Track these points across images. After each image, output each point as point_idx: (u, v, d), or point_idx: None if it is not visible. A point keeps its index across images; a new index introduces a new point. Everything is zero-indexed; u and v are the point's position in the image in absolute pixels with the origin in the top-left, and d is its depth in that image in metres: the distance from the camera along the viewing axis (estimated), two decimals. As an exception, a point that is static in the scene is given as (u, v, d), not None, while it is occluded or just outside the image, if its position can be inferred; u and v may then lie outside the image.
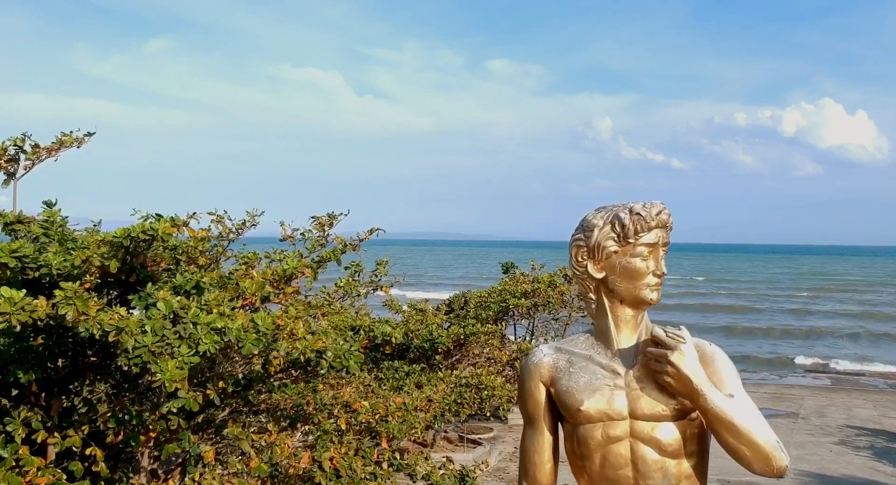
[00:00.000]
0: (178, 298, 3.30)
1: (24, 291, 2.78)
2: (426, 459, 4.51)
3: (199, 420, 4.19)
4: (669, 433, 1.84)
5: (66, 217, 4.03)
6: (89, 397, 3.86)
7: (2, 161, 4.11)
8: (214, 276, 4.02)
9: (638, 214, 1.86)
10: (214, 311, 3.24)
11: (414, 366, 6.94)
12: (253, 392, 4.03)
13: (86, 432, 3.39)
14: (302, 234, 4.51)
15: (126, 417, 3.41)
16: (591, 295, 1.97)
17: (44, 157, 4.11)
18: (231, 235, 4.24)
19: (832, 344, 22.27)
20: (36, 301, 2.76)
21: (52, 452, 3.47)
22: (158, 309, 3.15)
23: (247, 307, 3.63)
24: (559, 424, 2.01)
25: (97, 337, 2.71)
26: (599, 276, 1.92)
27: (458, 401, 5.15)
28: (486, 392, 6.32)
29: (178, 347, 3.01)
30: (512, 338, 10.41)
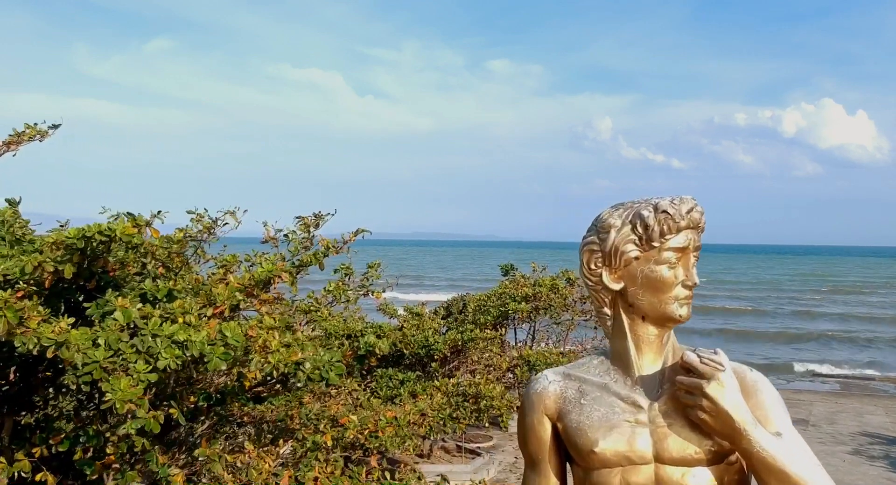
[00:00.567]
0: (141, 306, 2.97)
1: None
2: (419, 478, 4.17)
3: (173, 437, 3.85)
4: (703, 480, 1.50)
5: (28, 219, 3.70)
6: (51, 413, 3.53)
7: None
8: (190, 280, 3.69)
9: (665, 211, 1.52)
10: (179, 320, 2.90)
11: (409, 374, 6.60)
12: (227, 406, 3.69)
13: (37, 456, 3.05)
14: (285, 235, 4.16)
15: (83, 438, 3.08)
16: (607, 310, 1.63)
17: (2, 151, 3.77)
18: (202, 236, 3.89)
19: (839, 347, 21.90)
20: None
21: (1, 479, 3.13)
22: (115, 319, 2.82)
23: (218, 316, 3.29)
24: (568, 466, 1.67)
25: (35, 353, 2.37)
26: (617, 287, 1.58)
27: (454, 415, 4.80)
28: (484, 402, 5.99)
29: (135, 362, 2.68)
30: (512, 343, 10.07)
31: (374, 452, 4.20)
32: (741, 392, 1.48)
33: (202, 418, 3.72)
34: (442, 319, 8.77)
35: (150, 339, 2.72)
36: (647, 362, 1.59)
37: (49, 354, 2.38)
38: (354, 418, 4.25)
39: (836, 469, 8.24)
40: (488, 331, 7.65)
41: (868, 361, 18.73)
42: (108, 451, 2.99)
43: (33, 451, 3.07)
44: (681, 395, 1.50)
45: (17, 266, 2.92)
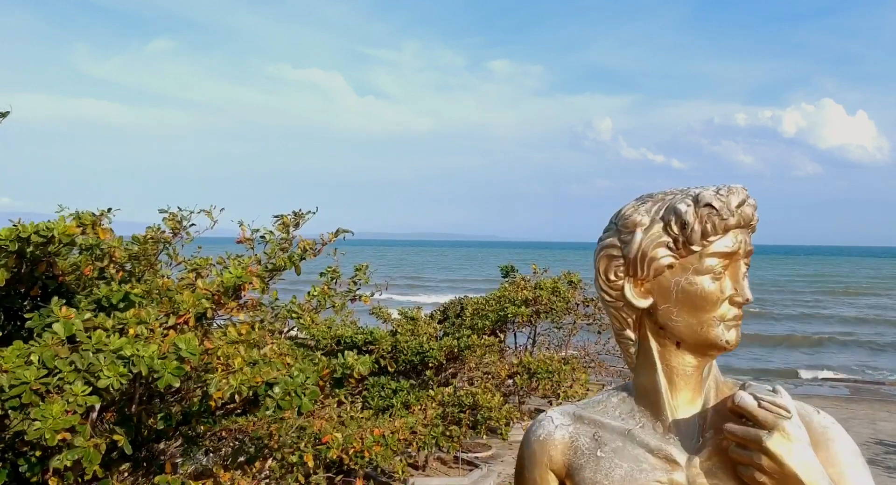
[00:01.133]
0: (91, 315, 2.60)
1: None
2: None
3: (143, 454, 3.49)
4: (759, 561, 1.13)
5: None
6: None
7: None
8: (155, 284, 3.32)
9: (709, 205, 1.15)
10: (131, 332, 2.53)
11: (402, 382, 6.23)
12: (193, 427, 3.33)
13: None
14: (262, 236, 3.79)
15: (23, 468, 2.71)
16: (630, 333, 1.25)
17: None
18: (173, 235, 3.53)
19: (847, 351, 21.48)
20: None
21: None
22: (55, 332, 2.46)
23: (180, 327, 2.92)
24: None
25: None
26: (644, 304, 1.21)
27: (447, 432, 4.43)
28: (482, 413, 5.62)
29: (73, 382, 2.31)
30: (512, 347, 9.70)
31: (360, 474, 3.83)
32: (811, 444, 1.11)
33: (167, 440, 3.36)
34: (438, 323, 8.39)
35: (91, 354, 2.36)
36: (683, 402, 1.22)
37: (-41, 378, 2.01)
38: (339, 435, 3.89)
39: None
40: (486, 337, 7.28)
41: (877, 366, 18.33)
42: (50, 483, 2.63)
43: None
44: (730, 448, 1.13)
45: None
